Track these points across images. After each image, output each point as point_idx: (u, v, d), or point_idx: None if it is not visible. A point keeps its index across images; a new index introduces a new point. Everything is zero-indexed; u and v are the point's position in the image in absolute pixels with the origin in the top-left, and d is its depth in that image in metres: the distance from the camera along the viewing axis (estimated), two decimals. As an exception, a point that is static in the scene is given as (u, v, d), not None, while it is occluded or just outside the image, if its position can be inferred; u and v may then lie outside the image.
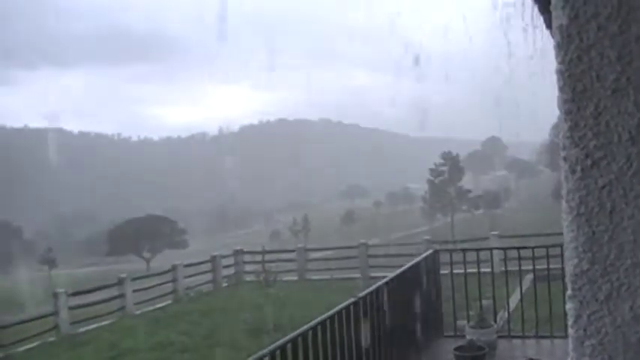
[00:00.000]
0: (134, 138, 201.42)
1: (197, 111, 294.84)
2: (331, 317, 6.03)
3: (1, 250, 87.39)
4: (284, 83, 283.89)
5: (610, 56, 1.46)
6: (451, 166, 74.77)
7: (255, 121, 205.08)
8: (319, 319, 5.79)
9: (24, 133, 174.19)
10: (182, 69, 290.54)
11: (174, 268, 27.48)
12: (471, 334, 8.42)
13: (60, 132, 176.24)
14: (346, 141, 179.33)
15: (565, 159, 1.49)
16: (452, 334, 9.65)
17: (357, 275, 26.83)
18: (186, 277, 27.67)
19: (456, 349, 8.02)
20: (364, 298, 6.90)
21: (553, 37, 1.53)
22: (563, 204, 1.51)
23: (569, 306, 1.51)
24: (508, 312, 10.84)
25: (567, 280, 1.51)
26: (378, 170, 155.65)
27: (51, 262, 72.41)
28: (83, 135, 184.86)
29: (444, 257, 10.15)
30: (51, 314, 21.61)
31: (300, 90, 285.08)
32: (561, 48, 1.49)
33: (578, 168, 1.48)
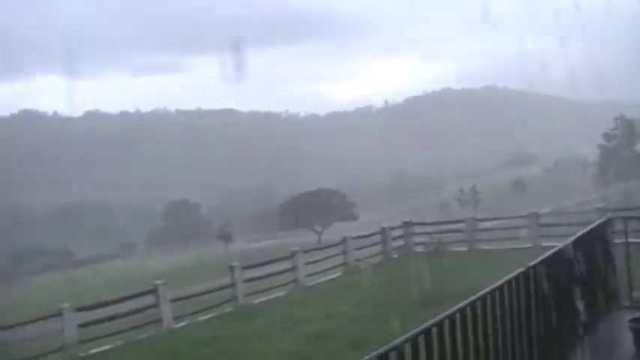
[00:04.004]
0: (301, 114, 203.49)
1: (362, 85, 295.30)
2: (500, 288, 6.04)
3: (181, 226, 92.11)
4: (448, 52, 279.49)
5: None
6: (625, 129, 71.55)
7: (420, 92, 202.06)
8: (487, 289, 5.82)
9: (197, 114, 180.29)
10: (346, 45, 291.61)
11: (344, 240, 27.91)
12: (647, 306, 8.15)
13: (231, 112, 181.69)
14: (513, 107, 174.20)
15: None
16: (627, 304, 9.38)
17: (529, 245, 26.29)
18: (356, 249, 28.03)
19: (632, 320, 7.79)
20: (534, 267, 6.83)
21: None
22: None
23: None
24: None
25: None
26: (546, 136, 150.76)
27: (227, 237, 75.36)
28: (253, 114, 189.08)
29: (618, 226, 9.85)
30: (228, 286, 22.59)
31: (464, 58, 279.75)
32: None
33: None
